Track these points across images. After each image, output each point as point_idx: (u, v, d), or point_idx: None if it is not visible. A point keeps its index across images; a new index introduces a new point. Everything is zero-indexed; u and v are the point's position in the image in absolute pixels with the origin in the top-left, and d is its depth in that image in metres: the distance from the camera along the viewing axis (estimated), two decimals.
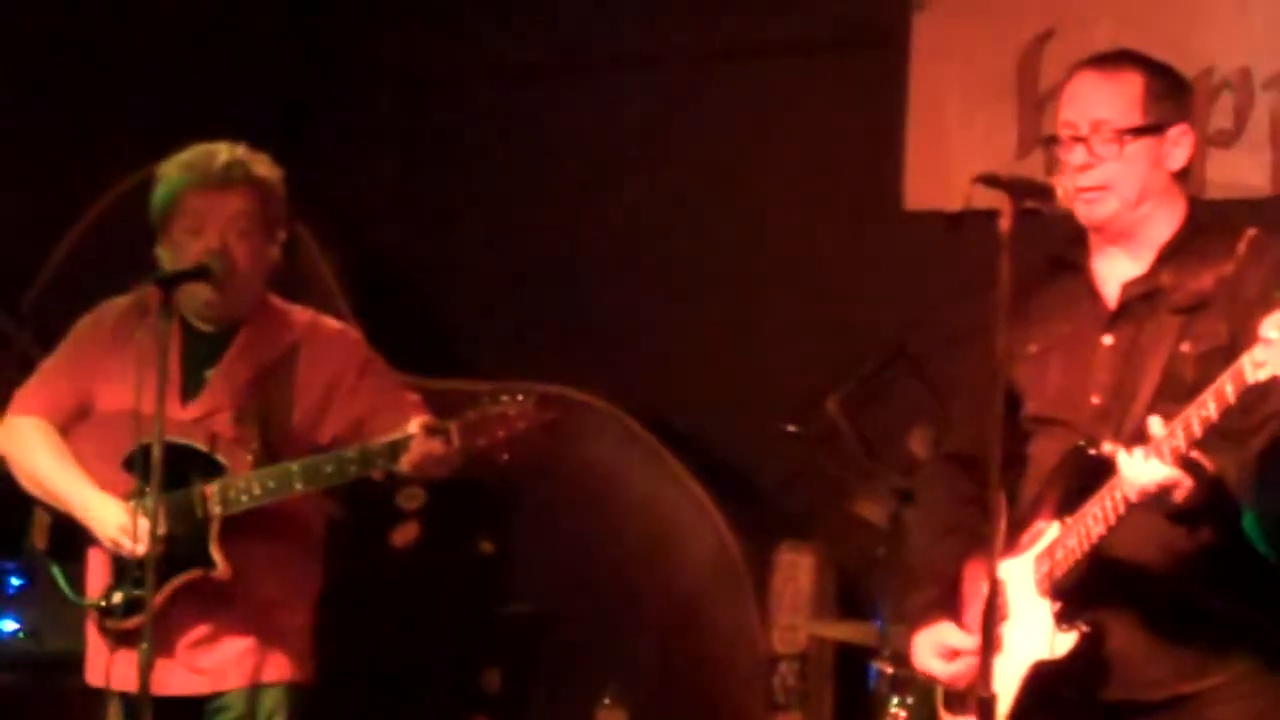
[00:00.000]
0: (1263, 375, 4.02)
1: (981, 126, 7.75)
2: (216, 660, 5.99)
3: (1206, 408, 4.10)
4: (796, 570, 7.41)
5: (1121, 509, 4.39)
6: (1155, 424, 4.18)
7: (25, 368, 7.09)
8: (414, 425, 5.88)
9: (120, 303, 6.10)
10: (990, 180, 5.14)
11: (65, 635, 6.62)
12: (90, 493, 5.87)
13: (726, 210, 7.89)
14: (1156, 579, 4.55)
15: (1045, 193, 5.13)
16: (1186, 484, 4.21)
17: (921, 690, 5.94)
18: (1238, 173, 7.09)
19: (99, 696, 6.17)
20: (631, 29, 8.31)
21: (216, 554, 5.90)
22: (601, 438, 7.23)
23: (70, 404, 6.05)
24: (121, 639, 5.87)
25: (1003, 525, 4.49)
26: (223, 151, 5.99)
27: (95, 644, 6.01)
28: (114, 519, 5.81)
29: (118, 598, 5.89)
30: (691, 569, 7.72)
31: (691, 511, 7.60)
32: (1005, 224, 4.92)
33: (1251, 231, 4.83)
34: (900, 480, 6.52)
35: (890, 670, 6.37)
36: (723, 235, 7.91)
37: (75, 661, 6.37)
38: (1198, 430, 4.10)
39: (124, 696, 5.88)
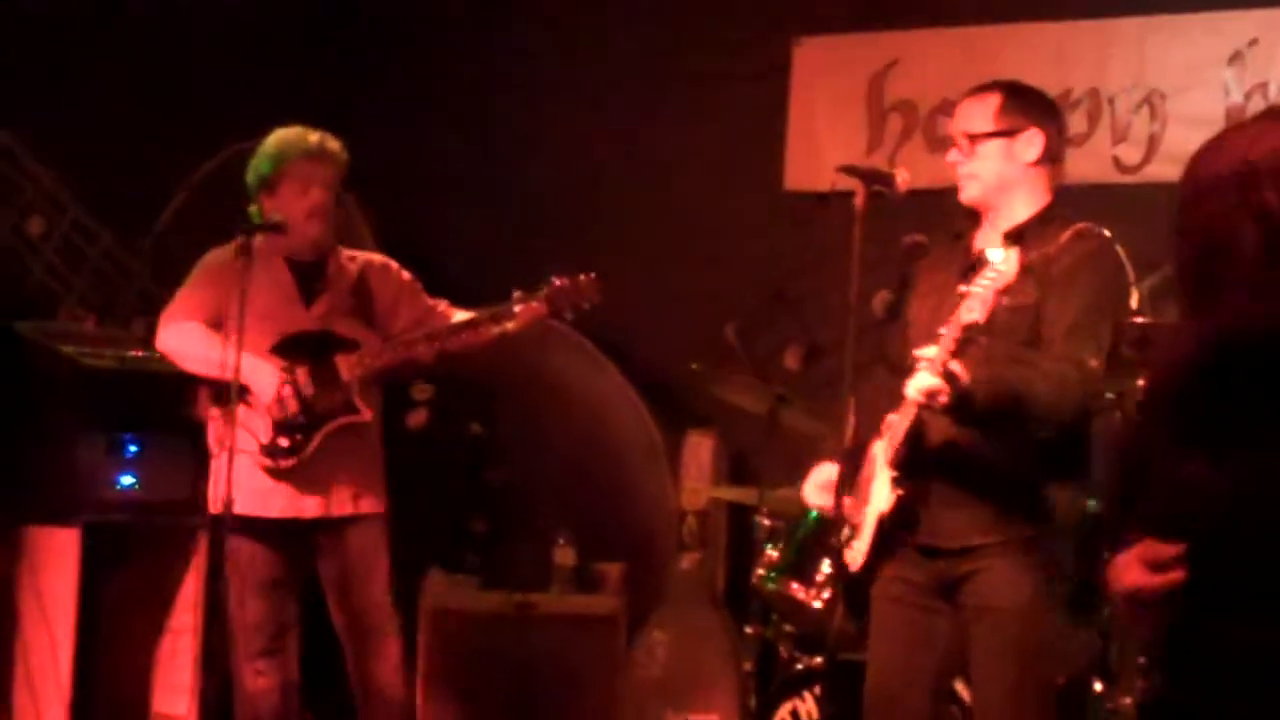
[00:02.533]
0: (969, 317, 4.29)
1: (841, 130, 7.64)
2: (339, 490, 5.98)
3: (950, 337, 4.31)
4: (700, 450, 7.33)
5: (913, 408, 4.53)
6: (929, 349, 4.33)
7: (144, 297, 7.18)
8: (516, 295, 5.98)
9: (228, 247, 5.91)
10: (849, 169, 5.28)
11: (166, 489, 6.63)
12: (255, 360, 5.78)
13: (659, 186, 7.76)
14: (959, 456, 4.59)
15: (888, 180, 5.23)
16: (945, 392, 4.32)
17: (789, 537, 5.85)
18: (1088, 165, 6.96)
19: (190, 530, 6.45)
20: (587, 61, 8.01)
21: (360, 403, 5.95)
22: (560, 349, 7.17)
23: (209, 314, 5.96)
24: (278, 475, 5.88)
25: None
26: (313, 133, 6.00)
27: (242, 483, 5.79)
28: (271, 382, 5.81)
29: (282, 441, 5.90)
30: (625, 448, 7.67)
31: (626, 407, 7.59)
32: (859, 202, 5.07)
33: (1081, 225, 4.81)
34: (777, 386, 6.42)
35: (767, 523, 6.21)
36: (653, 202, 7.78)
37: (173, 507, 6.59)
38: (948, 351, 4.29)
39: (262, 521, 5.88)
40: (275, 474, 5.92)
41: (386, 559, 6.16)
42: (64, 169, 7.19)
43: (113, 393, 6.67)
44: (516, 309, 6.00)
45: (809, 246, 6.47)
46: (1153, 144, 7.10)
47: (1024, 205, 4.72)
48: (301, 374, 5.93)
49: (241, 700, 6.02)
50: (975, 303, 4.46)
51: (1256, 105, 6.86)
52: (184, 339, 6.01)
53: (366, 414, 6.02)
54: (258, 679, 5.97)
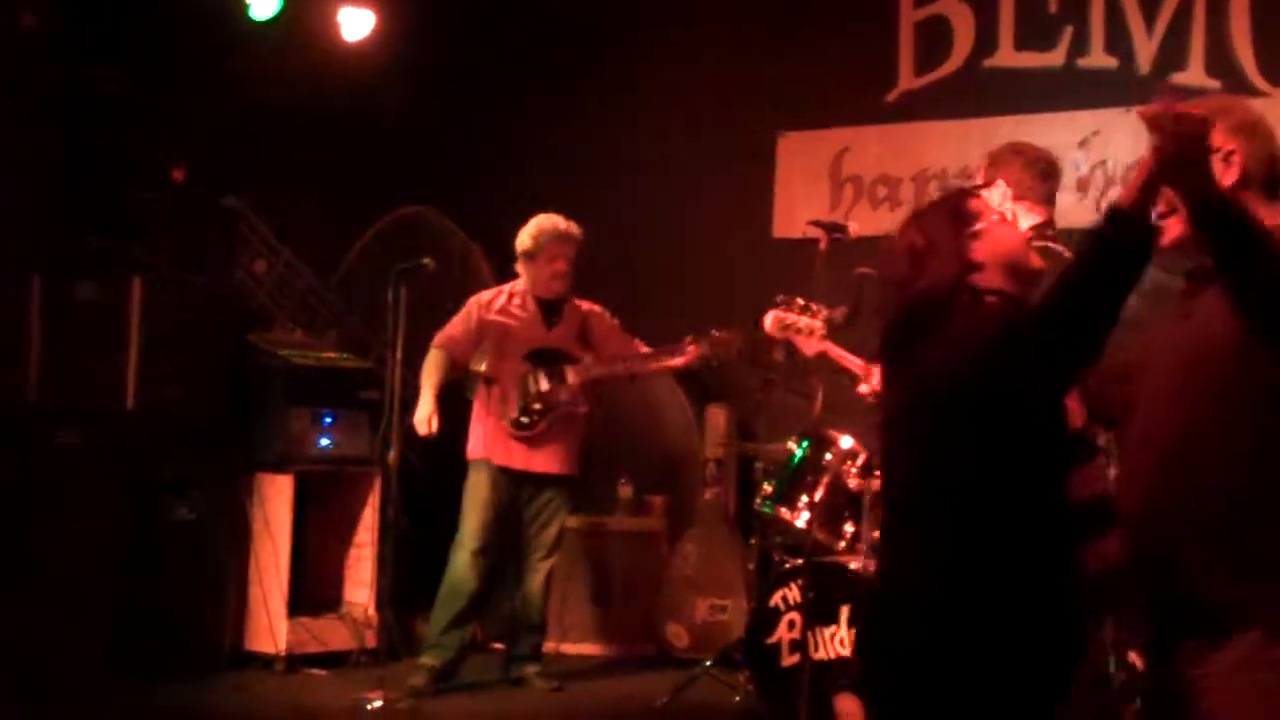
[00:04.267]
0: None
1: (812, 195, 7.63)
2: (566, 455, 6.41)
3: None
4: (717, 417, 7.35)
5: None
6: None
7: (334, 316, 7.28)
8: (687, 339, 6.27)
9: (491, 290, 6.48)
10: (816, 223, 5.62)
11: (351, 448, 6.83)
12: (425, 405, 6.24)
13: (683, 235, 7.75)
14: None
15: (843, 229, 5.54)
16: None
17: (778, 476, 5.78)
18: None
19: (379, 470, 6.60)
20: (625, 144, 7.83)
21: (579, 400, 6.40)
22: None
23: (466, 341, 6.38)
24: (520, 439, 6.29)
25: None
26: (560, 220, 6.37)
27: (493, 440, 6.29)
28: (421, 423, 6.24)
29: (524, 419, 6.30)
30: (666, 416, 7.70)
31: (667, 390, 7.56)
32: (823, 245, 5.41)
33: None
34: (767, 373, 6.33)
35: (761, 466, 6.29)
36: (679, 246, 7.74)
37: (356, 460, 6.80)
38: None
39: (502, 468, 6.29)
40: (517, 439, 6.29)
41: (566, 510, 6.49)
42: (277, 223, 7.21)
43: (314, 382, 6.80)
44: (688, 348, 6.23)
45: (791, 275, 6.15)
46: None
47: None
48: (541, 375, 6.28)
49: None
50: None
51: (1099, 176, 6.99)
52: (430, 360, 6.37)
53: (583, 408, 6.43)
54: (472, 566, 6.25)
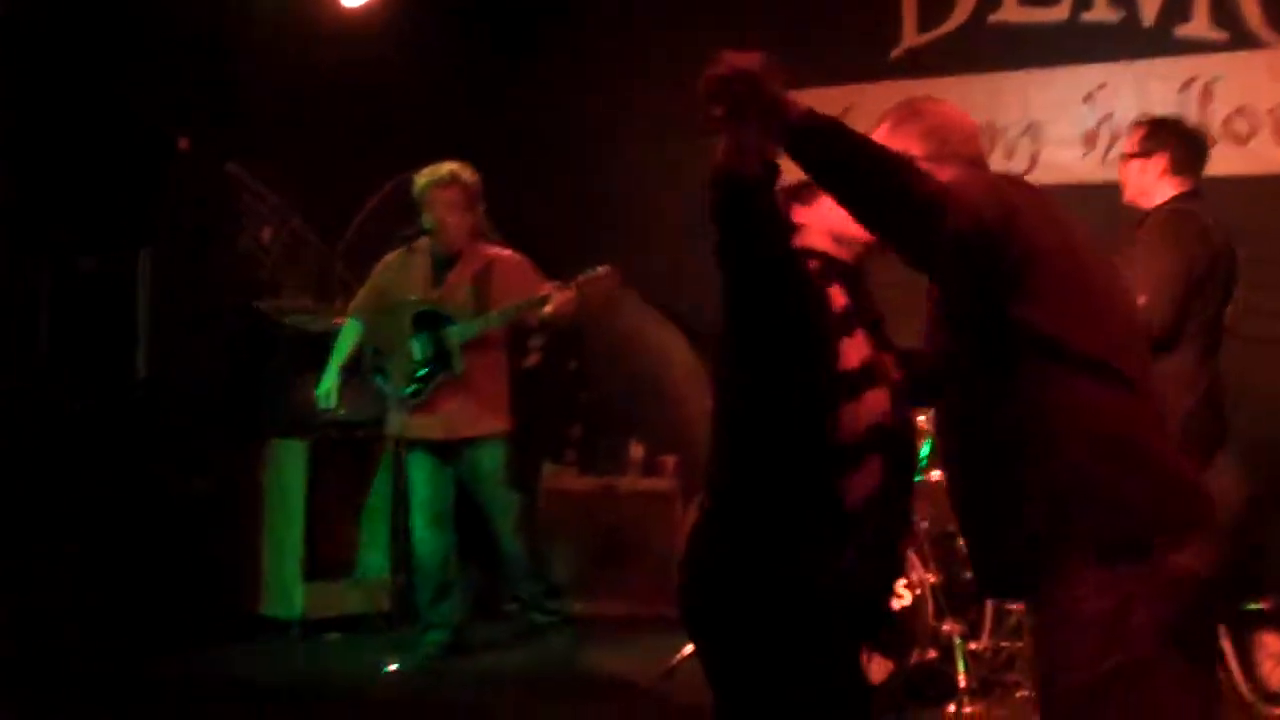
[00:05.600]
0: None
1: None
2: (457, 419, 6.10)
3: None
4: None
5: None
6: None
7: (341, 283, 7.17)
8: (548, 287, 5.90)
9: (399, 250, 6.17)
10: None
11: (362, 413, 6.69)
12: (335, 365, 6.22)
13: (687, 199, 7.73)
14: None
15: None
16: None
17: None
18: None
19: (380, 442, 6.57)
20: (638, 110, 7.75)
21: (458, 362, 6.03)
22: (634, 312, 7.06)
23: (373, 304, 6.27)
24: (413, 410, 6.05)
25: None
26: (446, 166, 6.09)
27: (395, 415, 6.12)
28: (326, 383, 6.21)
29: (409, 388, 6.07)
30: (677, 377, 7.40)
31: (678, 349, 7.35)
32: None
33: None
34: None
35: None
36: (683, 204, 7.23)
37: (366, 425, 6.70)
38: None
39: (411, 440, 6.07)
40: (412, 408, 6.10)
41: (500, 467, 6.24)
42: (283, 191, 7.15)
43: (323, 348, 6.63)
44: (553, 296, 5.93)
45: None
46: (1033, 160, 7.15)
47: None
48: (421, 341, 6.10)
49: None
50: None
51: (1105, 130, 6.96)
52: (343, 332, 6.30)
53: (460, 370, 6.07)
54: (430, 541, 6.19)
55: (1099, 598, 2.58)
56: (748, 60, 2.63)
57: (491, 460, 6.21)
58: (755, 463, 2.89)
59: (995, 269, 2.67)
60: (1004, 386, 2.72)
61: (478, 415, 6.16)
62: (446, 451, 6.21)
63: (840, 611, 2.87)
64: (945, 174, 2.78)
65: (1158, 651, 2.56)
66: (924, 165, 2.76)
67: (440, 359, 6.12)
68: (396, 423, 6.17)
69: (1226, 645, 5.25)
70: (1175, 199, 4.79)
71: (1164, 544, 2.62)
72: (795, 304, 2.83)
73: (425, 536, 6.20)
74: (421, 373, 6.10)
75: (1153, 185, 4.81)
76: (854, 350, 2.87)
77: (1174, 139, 4.86)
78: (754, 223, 2.76)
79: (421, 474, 6.16)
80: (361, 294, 6.37)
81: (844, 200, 2.70)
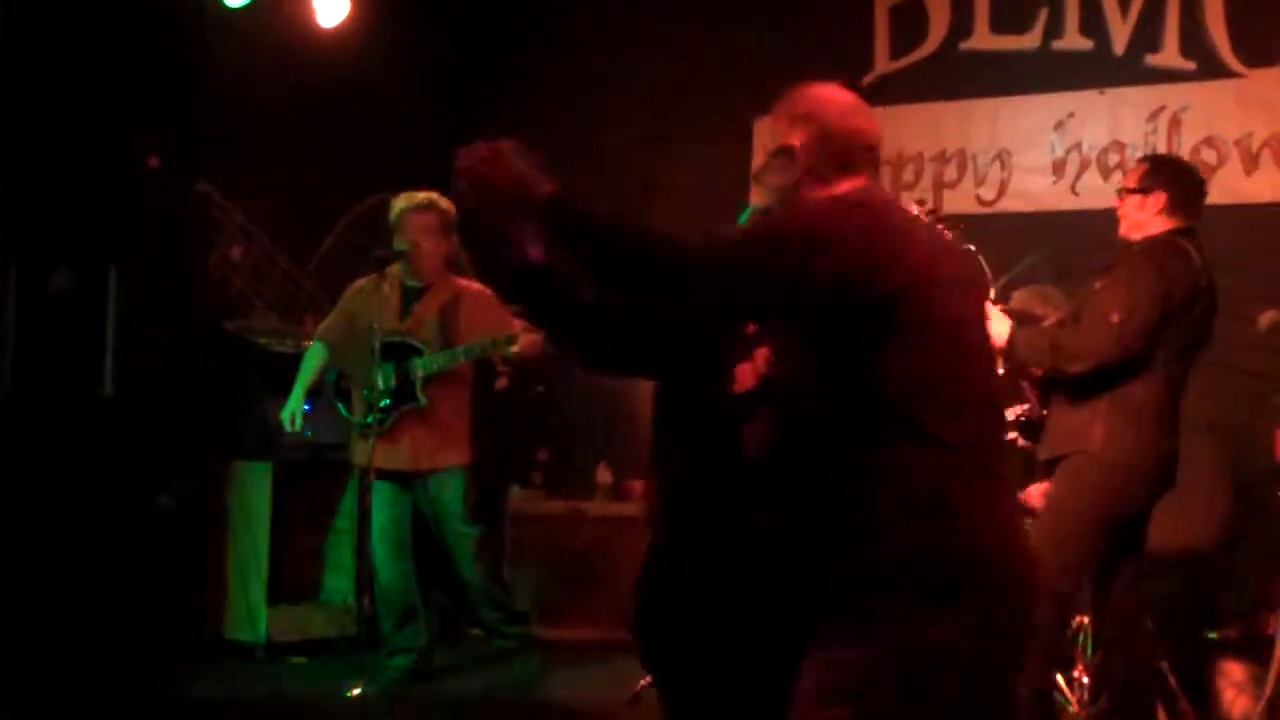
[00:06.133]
0: None
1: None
2: (419, 451, 6.07)
3: None
4: None
5: None
6: None
7: (312, 302, 7.20)
8: (517, 325, 5.80)
9: (370, 276, 6.02)
10: None
11: (329, 435, 6.67)
12: (293, 401, 6.17)
13: (670, 207, 7.54)
14: None
15: None
16: None
17: None
18: (959, 202, 7.06)
19: (346, 465, 6.48)
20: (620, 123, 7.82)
21: (421, 395, 5.99)
22: None
23: (340, 329, 6.22)
24: (376, 438, 5.91)
25: None
26: (423, 193, 6.01)
27: (358, 444, 6.10)
28: (290, 406, 6.15)
29: (370, 418, 5.93)
30: (643, 401, 7.64)
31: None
32: None
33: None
34: None
35: None
36: (664, 217, 6.98)
37: (334, 448, 6.68)
38: None
39: (376, 469, 5.94)
40: (375, 436, 5.95)
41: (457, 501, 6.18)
42: (253, 210, 7.09)
43: (292, 369, 6.55)
44: (520, 336, 5.90)
45: None
46: (1002, 187, 7.17)
47: None
48: (385, 371, 5.99)
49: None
50: None
51: (1074, 158, 7.00)
52: (309, 355, 6.25)
53: (424, 403, 6.03)
54: (391, 567, 6.12)
55: (853, 649, 2.54)
56: (481, 152, 2.67)
57: (451, 493, 6.18)
58: (678, 494, 2.92)
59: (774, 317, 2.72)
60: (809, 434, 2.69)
61: (438, 448, 6.14)
62: (406, 481, 6.18)
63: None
64: (817, 189, 2.77)
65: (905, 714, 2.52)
66: (801, 166, 2.77)
67: (404, 390, 6.08)
68: (360, 451, 6.12)
69: (1173, 680, 5.22)
70: (1169, 233, 4.84)
71: (920, 615, 2.53)
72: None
73: (386, 563, 6.15)
74: (384, 403, 6.04)
75: (1149, 221, 4.85)
76: (750, 372, 2.84)
77: (1174, 177, 4.90)
78: (551, 306, 2.81)
79: (381, 501, 6.11)
80: (330, 318, 6.34)
81: (598, 272, 2.73)
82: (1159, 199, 4.79)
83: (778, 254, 2.58)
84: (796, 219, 2.68)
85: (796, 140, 2.82)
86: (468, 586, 6.33)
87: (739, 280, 2.59)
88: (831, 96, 2.88)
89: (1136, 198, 4.85)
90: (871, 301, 2.55)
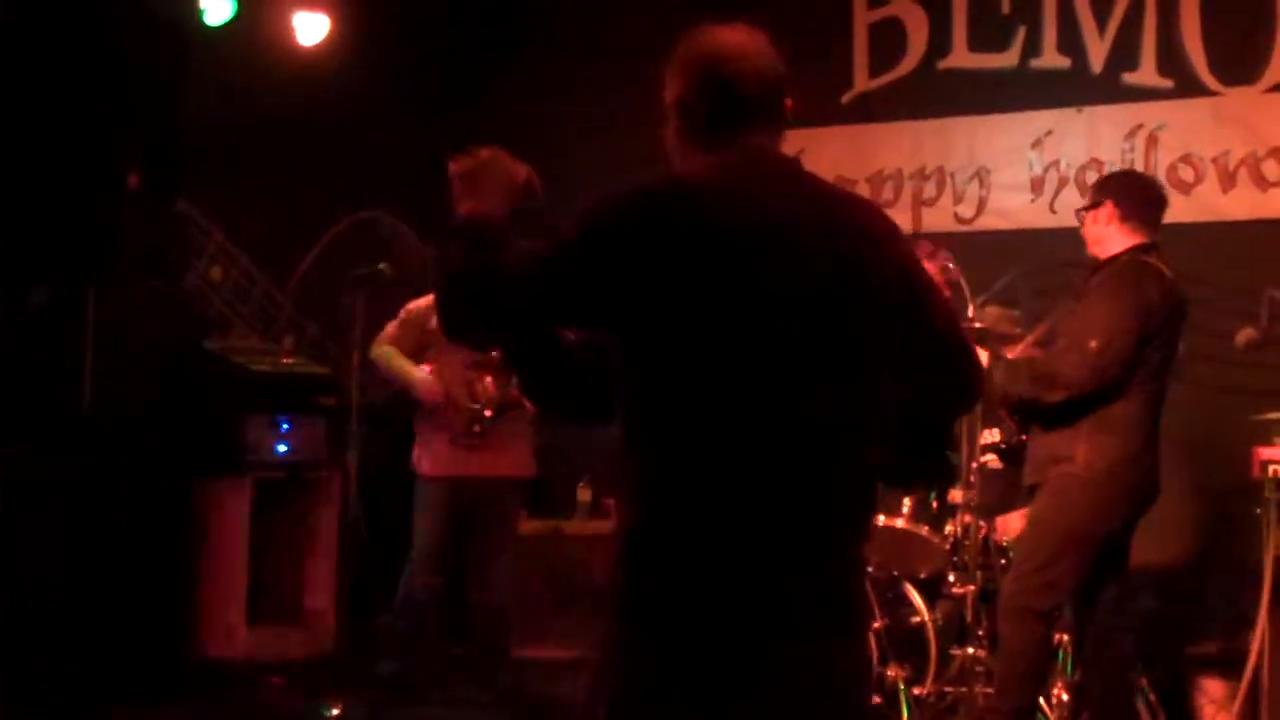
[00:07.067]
0: None
1: None
2: (497, 459, 6.16)
3: None
4: None
5: None
6: None
7: (291, 322, 7.16)
8: None
9: (423, 299, 6.05)
10: None
11: (308, 453, 6.73)
12: (419, 373, 6.10)
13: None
14: None
15: None
16: None
17: None
18: (938, 219, 7.13)
19: (326, 480, 6.58)
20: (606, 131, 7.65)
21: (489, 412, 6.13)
22: None
23: (411, 343, 6.18)
24: (462, 445, 6.10)
25: None
26: None
27: (438, 449, 6.14)
28: (430, 388, 6.08)
29: (475, 427, 6.10)
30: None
31: None
32: None
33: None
34: None
35: None
36: None
37: (313, 466, 6.70)
38: None
39: (453, 478, 6.11)
40: (465, 447, 6.12)
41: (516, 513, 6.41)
42: (233, 229, 7.06)
43: (271, 388, 6.72)
44: None
45: None
46: (981, 204, 7.19)
47: None
48: (487, 381, 6.11)
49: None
50: None
51: (1052, 176, 7.02)
52: (383, 354, 6.19)
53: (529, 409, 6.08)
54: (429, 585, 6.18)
55: (596, 650, 2.44)
56: (480, 154, 2.57)
57: (519, 504, 6.44)
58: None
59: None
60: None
61: (526, 456, 6.33)
62: (480, 489, 6.22)
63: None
64: (692, 158, 2.45)
65: None
66: (672, 127, 2.44)
67: (500, 400, 6.19)
68: (427, 464, 6.20)
69: (1152, 697, 5.23)
70: (1133, 250, 4.85)
71: (630, 639, 2.38)
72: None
73: (425, 581, 6.20)
74: (488, 412, 6.16)
75: (1105, 234, 4.88)
76: None
77: (1119, 187, 4.97)
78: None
79: (447, 515, 6.20)
80: (393, 329, 6.27)
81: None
82: (1108, 210, 4.84)
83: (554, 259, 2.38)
84: (585, 213, 2.43)
85: (670, 96, 2.47)
86: (483, 606, 6.38)
87: (530, 289, 2.41)
88: (709, 40, 2.47)
89: (1090, 213, 4.92)
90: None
